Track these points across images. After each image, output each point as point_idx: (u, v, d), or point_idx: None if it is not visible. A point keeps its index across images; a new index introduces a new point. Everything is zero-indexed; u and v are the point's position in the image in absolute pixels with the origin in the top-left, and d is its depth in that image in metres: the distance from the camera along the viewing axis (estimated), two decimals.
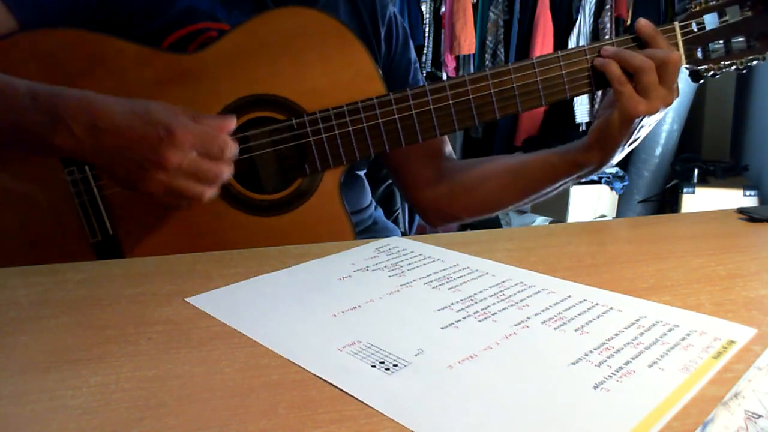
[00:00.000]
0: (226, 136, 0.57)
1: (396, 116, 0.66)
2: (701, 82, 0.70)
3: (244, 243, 0.63)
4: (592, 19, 2.86)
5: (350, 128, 0.66)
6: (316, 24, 0.67)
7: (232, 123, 0.58)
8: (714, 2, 0.66)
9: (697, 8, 0.67)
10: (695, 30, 0.66)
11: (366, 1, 0.81)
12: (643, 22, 0.66)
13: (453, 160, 0.85)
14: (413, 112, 0.66)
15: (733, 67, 0.68)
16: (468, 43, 2.86)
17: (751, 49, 0.67)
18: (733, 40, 0.67)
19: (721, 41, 0.67)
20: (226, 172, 0.57)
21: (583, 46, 0.66)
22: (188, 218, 0.65)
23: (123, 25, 0.66)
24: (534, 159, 0.75)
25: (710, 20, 0.66)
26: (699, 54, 0.68)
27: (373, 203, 0.87)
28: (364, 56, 0.67)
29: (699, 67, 0.68)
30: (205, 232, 0.66)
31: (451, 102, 0.66)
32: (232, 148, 0.57)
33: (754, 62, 0.68)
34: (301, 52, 0.66)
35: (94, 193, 0.63)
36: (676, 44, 0.67)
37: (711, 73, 0.69)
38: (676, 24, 0.67)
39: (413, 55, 0.86)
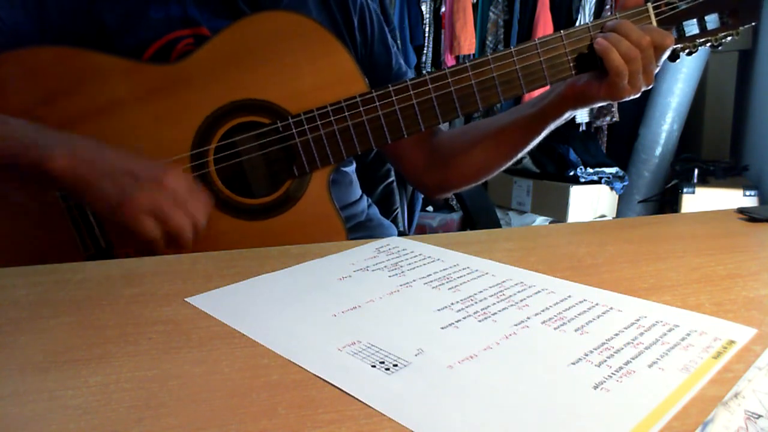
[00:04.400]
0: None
1: (380, 113, 0.66)
2: (677, 61, 0.70)
3: (237, 248, 0.63)
4: (592, 19, 2.86)
5: (335, 128, 0.66)
6: (296, 27, 0.67)
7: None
8: None
9: None
10: (668, 10, 0.66)
11: None
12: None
13: (441, 132, 0.85)
14: (396, 107, 0.66)
15: (708, 44, 0.69)
16: (468, 43, 2.86)
17: (725, 26, 0.68)
18: (707, 18, 0.67)
19: (695, 19, 0.68)
20: (202, 218, 0.60)
21: (560, 32, 0.66)
22: None
23: (99, 42, 0.66)
24: (512, 122, 0.76)
25: None
26: (674, 33, 0.68)
27: (365, 198, 0.88)
28: (345, 56, 0.68)
29: (675, 46, 0.68)
30: (198, 239, 0.66)
31: (433, 95, 0.66)
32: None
33: (728, 38, 0.68)
34: (282, 56, 0.66)
35: (85, 205, 0.63)
36: (650, 25, 0.67)
37: (687, 51, 0.69)
38: (650, 5, 0.66)
39: (390, 39, 0.86)
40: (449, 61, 2.95)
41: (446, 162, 0.82)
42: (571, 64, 0.66)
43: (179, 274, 0.50)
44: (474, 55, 2.94)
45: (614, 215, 2.82)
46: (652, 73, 0.66)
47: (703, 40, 0.68)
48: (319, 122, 0.65)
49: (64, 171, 0.56)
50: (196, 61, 0.65)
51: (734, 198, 2.45)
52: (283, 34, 0.66)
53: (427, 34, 2.95)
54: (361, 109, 0.66)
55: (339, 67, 0.67)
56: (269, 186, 0.68)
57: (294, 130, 0.66)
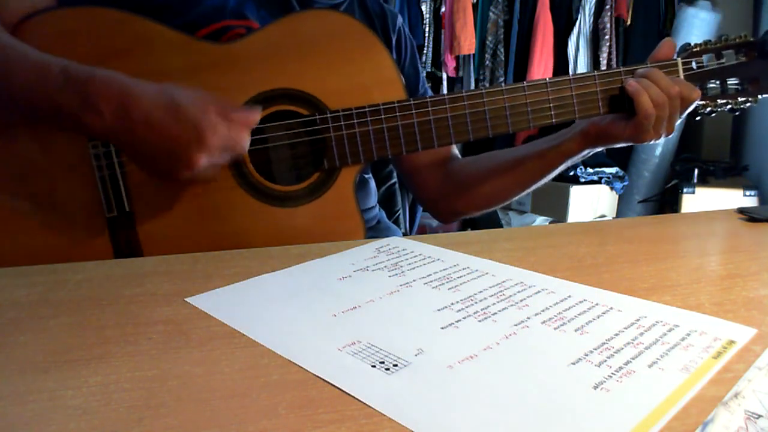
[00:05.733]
0: (248, 134, 0.60)
1: (414, 120, 0.68)
2: (697, 118, 0.74)
3: (258, 230, 0.65)
4: (591, 20, 2.86)
5: (370, 128, 0.68)
6: (345, 27, 0.69)
7: (257, 117, 0.61)
8: (712, 45, 0.71)
9: (698, 48, 0.71)
10: (694, 68, 0.70)
11: (377, 11, 0.85)
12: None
13: (457, 159, 0.88)
14: (431, 118, 0.69)
15: (728, 107, 0.72)
16: (468, 43, 2.86)
17: (744, 92, 0.72)
18: (728, 81, 0.71)
19: (717, 81, 0.71)
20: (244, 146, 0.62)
21: (593, 72, 0.69)
22: (205, 203, 0.67)
23: (154, 17, 0.67)
24: (529, 154, 0.79)
25: (708, 61, 0.70)
26: None
27: (377, 205, 0.89)
28: (387, 61, 0.70)
29: (698, 102, 0.71)
30: (221, 217, 0.67)
31: (467, 111, 0.69)
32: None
33: (747, 104, 0.72)
34: (328, 53, 0.68)
35: (116, 168, 0.64)
36: (679, 78, 0.70)
37: (708, 110, 0.73)
38: (679, 60, 0.70)
39: (420, 65, 0.90)
40: (449, 61, 2.95)
41: (461, 188, 0.84)
42: (600, 103, 0.69)
43: (179, 274, 0.50)
44: (474, 55, 2.94)
45: (614, 215, 2.82)
46: (675, 123, 0.69)
47: (723, 101, 0.72)
48: (355, 120, 0.67)
49: (95, 131, 0.57)
50: (246, 45, 0.67)
51: (734, 198, 2.45)
52: (331, 32, 0.69)
53: (427, 34, 2.96)
54: (398, 114, 0.68)
55: (381, 71, 0.69)
56: (298, 175, 0.70)
57: (330, 125, 0.67)
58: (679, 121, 0.69)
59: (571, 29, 2.86)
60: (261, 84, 0.67)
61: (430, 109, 0.68)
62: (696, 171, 2.61)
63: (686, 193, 2.51)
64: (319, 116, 0.67)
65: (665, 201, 2.82)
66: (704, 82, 0.71)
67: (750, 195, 2.45)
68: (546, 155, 0.77)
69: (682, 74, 0.70)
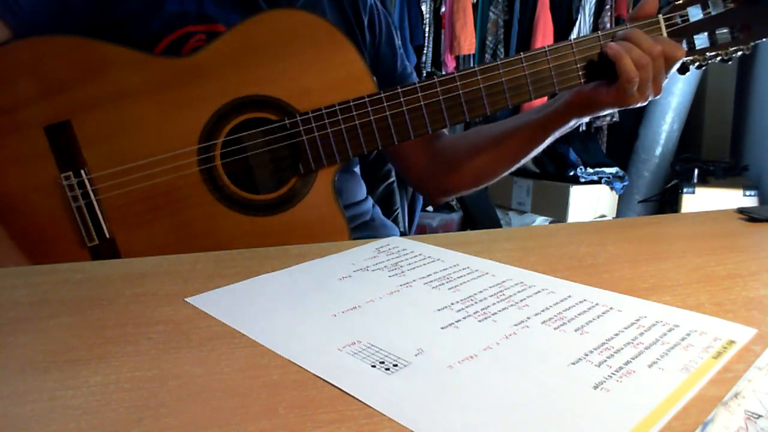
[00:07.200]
0: None
1: (387, 113, 0.66)
2: (687, 73, 0.70)
3: (240, 243, 0.64)
4: (592, 19, 2.86)
5: (343, 126, 0.66)
6: (308, 26, 0.67)
7: None
8: None
9: (681, 1, 0.67)
10: (679, 22, 0.67)
11: None
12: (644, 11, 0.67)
13: (444, 136, 0.86)
14: (404, 108, 0.67)
15: (718, 58, 0.69)
16: (468, 43, 2.86)
17: (735, 41, 0.68)
18: (717, 32, 0.67)
19: (705, 33, 0.68)
20: None
21: (570, 40, 0.66)
22: (185, 221, 0.66)
23: (114, 32, 0.67)
24: (516, 127, 0.77)
25: (694, 12, 0.67)
26: (684, 46, 0.68)
27: (369, 198, 0.88)
28: (354, 56, 0.68)
29: (685, 59, 0.68)
30: (202, 233, 0.66)
31: (441, 98, 0.67)
32: None
33: (739, 53, 0.68)
34: (293, 54, 0.67)
35: (91, 196, 0.63)
36: (661, 36, 0.67)
37: (696, 64, 0.69)
38: (660, 16, 0.66)
39: (398, 41, 0.87)
40: (449, 61, 2.95)
41: (449, 166, 0.83)
42: (580, 72, 0.67)
43: (179, 274, 0.50)
44: (474, 55, 2.94)
45: (614, 215, 2.82)
46: (661, 84, 0.66)
47: (713, 53, 0.68)
48: (326, 120, 0.66)
49: None
50: (207, 55, 0.66)
51: (734, 198, 2.45)
52: (295, 33, 0.67)
53: (427, 34, 2.95)
54: (369, 109, 0.66)
55: (349, 68, 0.68)
56: (275, 183, 0.69)
57: (301, 128, 0.66)
58: (666, 81, 0.67)
59: (571, 29, 2.86)
60: (227, 94, 0.65)
61: (402, 100, 0.66)
62: (696, 171, 2.61)
63: (686, 193, 2.51)
64: (289, 120, 0.66)
65: (665, 201, 2.82)
66: (691, 35, 0.67)
67: (750, 195, 2.44)
68: (532, 129, 0.75)
69: (665, 31, 0.66)
